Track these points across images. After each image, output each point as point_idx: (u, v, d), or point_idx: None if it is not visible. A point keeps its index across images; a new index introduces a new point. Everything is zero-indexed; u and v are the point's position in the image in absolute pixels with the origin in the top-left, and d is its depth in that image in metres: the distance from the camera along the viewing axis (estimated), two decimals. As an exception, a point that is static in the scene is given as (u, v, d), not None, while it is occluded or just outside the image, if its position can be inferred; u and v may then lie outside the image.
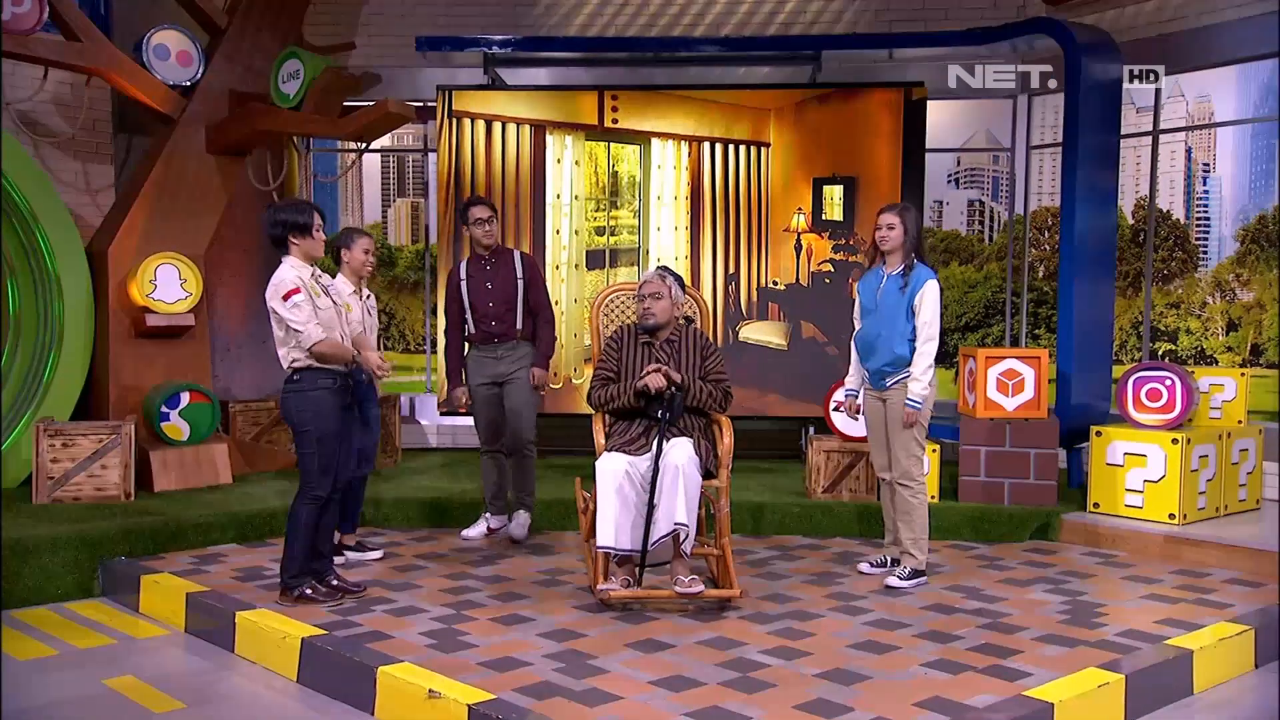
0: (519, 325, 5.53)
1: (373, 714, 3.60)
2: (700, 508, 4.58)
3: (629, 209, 7.52)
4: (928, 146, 7.39)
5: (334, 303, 4.56)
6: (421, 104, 7.60)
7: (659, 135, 7.48)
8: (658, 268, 4.92)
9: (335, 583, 4.60)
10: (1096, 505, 5.88)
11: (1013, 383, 5.95)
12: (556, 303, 6.99)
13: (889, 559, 5.10)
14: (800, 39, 7.79)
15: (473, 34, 7.62)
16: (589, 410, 4.93)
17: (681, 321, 4.88)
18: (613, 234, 7.54)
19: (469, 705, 3.30)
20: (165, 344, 6.66)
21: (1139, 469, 5.73)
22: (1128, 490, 5.77)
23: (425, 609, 4.45)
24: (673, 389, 4.55)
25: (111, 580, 5.09)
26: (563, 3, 8.12)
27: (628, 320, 5.30)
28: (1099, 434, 5.90)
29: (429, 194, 8.40)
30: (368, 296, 5.35)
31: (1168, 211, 7.42)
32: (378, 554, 5.37)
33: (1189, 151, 7.38)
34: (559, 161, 7.49)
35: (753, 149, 7.46)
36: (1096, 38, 6.52)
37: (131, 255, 6.54)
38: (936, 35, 7.40)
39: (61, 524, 5.27)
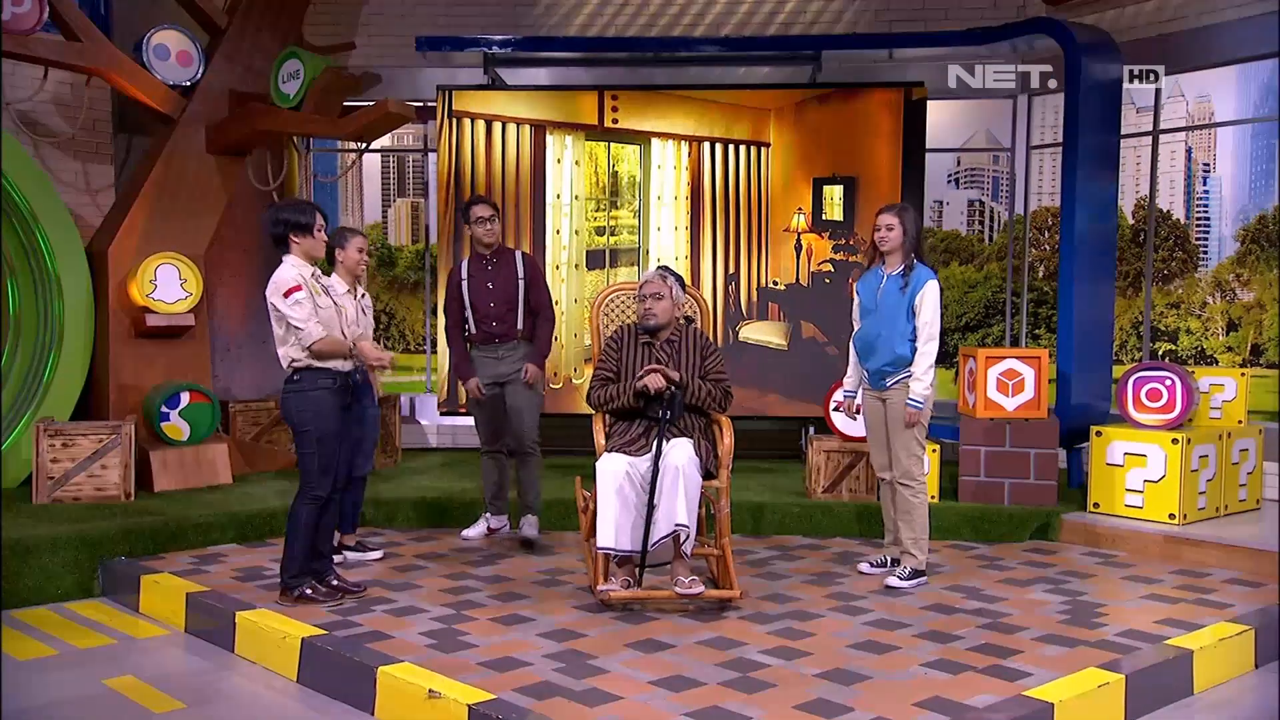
0: (520, 325, 5.52)
1: (373, 714, 3.60)
2: (700, 508, 4.58)
3: (629, 209, 7.52)
4: (928, 146, 7.38)
5: (334, 302, 4.57)
6: (421, 104, 7.60)
7: (659, 135, 7.47)
8: (658, 268, 4.90)
9: (335, 583, 4.61)
10: (1096, 505, 5.88)
11: (1013, 383, 5.95)
12: (557, 303, 6.99)
13: (889, 559, 5.09)
14: (800, 39, 7.79)
15: (473, 34, 7.62)
16: (589, 410, 4.92)
17: (682, 321, 4.87)
18: (613, 234, 7.53)
19: (469, 705, 3.30)
20: (165, 344, 6.66)
21: (1139, 469, 5.73)
22: (1128, 490, 5.77)
23: (425, 609, 4.45)
24: (672, 389, 4.54)
25: (111, 580, 5.09)
26: (563, 3, 8.12)
27: (628, 320, 5.29)
28: (1099, 434, 5.90)
29: (429, 194, 8.40)
30: (362, 296, 5.33)
31: (1168, 211, 7.41)
32: (378, 554, 5.37)
33: (1189, 151, 7.38)
34: (559, 161, 7.49)
35: (753, 149, 7.45)
36: (1096, 38, 6.52)
37: (131, 255, 6.55)
38: (936, 35, 7.40)
39: (61, 524, 5.27)
